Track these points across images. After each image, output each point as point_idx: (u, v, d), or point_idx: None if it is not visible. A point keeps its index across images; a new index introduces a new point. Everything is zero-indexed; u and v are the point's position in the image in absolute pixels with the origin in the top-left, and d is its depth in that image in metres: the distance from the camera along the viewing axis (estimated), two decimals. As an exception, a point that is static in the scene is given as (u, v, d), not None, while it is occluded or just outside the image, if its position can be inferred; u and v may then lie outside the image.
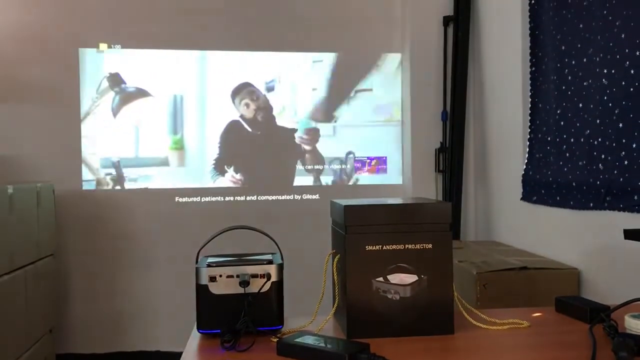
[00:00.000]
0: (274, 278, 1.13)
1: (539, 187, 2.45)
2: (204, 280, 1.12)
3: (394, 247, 1.12)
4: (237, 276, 1.12)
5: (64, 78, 3.08)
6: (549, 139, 2.41)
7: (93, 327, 3.10)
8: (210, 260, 1.18)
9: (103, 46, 3.15)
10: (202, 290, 1.12)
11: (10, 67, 3.03)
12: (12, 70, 3.03)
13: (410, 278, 1.12)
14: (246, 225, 1.23)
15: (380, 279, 1.12)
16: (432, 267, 1.13)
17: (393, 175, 3.30)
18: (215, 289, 1.12)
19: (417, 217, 1.13)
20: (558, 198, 2.30)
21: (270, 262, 1.15)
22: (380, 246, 1.12)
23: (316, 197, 3.23)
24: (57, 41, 3.08)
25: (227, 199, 3.18)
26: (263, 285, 1.12)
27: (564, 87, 2.28)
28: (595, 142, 2.06)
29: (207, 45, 3.18)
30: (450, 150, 3.07)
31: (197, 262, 1.18)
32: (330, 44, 3.25)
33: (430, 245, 1.13)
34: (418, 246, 1.12)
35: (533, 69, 2.57)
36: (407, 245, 1.12)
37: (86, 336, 3.09)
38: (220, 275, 1.12)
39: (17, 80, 3.04)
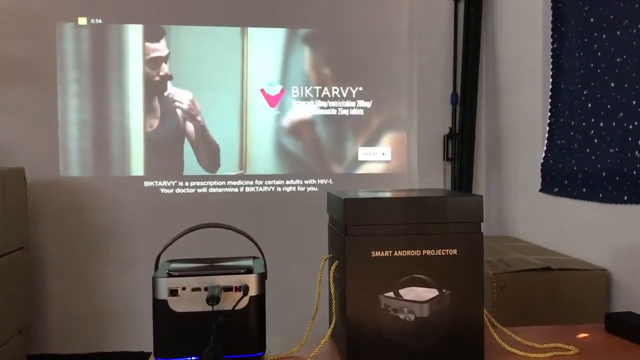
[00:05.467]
0: (253, 291, 0.88)
1: (562, 178, 2.22)
2: (163, 294, 0.87)
3: (408, 253, 0.87)
4: (205, 289, 0.87)
5: (39, 54, 2.87)
6: (572, 123, 2.18)
7: (71, 326, 2.92)
8: (172, 266, 0.93)
9: (82, 20, 2.90)
10: (160, 307, 0.87)
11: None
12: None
13: (429, 293, 0.87)
14: (219, 223, 0.97)
15: (390, 293, 0.87)
16: (457, 279, 0.88)
17: (396, 164, 3.05)
18: (177, 305, 0.87)
19: (438, 215, 0.88)
20: (584, 190, 2.06)
21: (249, 270, 0.90)
22: (390, 252, 0.87)
23: (307, 186, 2.98)
24: (32, 14, 2.85)
25: (215, 190, 2.94)
26: (239, 301, 0.87)
27: (592, 65, 2.03)
28: (631, 127, 1.83)
29: (197, 20, 2.91)
30: (461, 136, 2.85)
31: (156, 268, 0.93)
32: (329, 20, 2.98)
33: (455, 251, 0.88)
34: (439, 252, 0.87)
35: (555, 45, 2.33)
36: (425, 251, 0.87)
37: (63, 335, 2.91)
38: (184, 288, 0.87)
39: (-14, 56, 2.80)
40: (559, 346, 0.95)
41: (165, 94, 2.91)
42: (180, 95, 2.92)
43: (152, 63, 2.91)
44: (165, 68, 2.92)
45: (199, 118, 2.93)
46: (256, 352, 0.89)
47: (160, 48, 2.92)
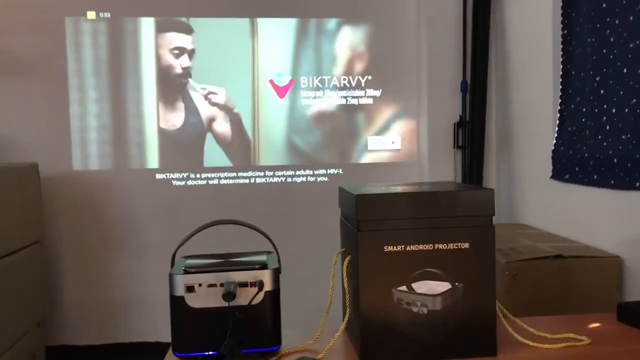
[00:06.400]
0: (268, 287, 0.90)
1: (572, 164, 2.21)
2: (180, 291, 0.89)
3: (421, 247, 0.88)
4: (221, 285, 0.88)
5: (49, 49, 2.86)
6: (584, 110, 2.15)
7: (87, 318, 2.94)
8: (188, 263, 0.94)
9: (91, 14, 2.90)
10: (177, 303, 0.89)
11: (-11, 38, 2.80)
12: (-8, 42, 2.80)
13: (442, 286, 0.88)
14: (234, 220, 0.98)
15: (403, 287, 0.88)
16: (469, 272, 0.88)
17: (406, 152, 3.04)
18: (194, 301, 0.89)
19: (450, 209, 0.88)
20: (595, 176, 2.05)
21: (263, 266, 0.91)
22: (402, 246, 0.88)
23: (317, 177, 2.98)
24: (40, 9, 2.84)
25: (226, 181, 2.95)
26: (254, 297, 0.89)
27: (604, 51, 2.01)
28: (643, 113, 1.80)
29: (207, 12, 2.91)
30: (471, 124, 2.82)
31: (172, 265, 0.94)
32: (337, 9, 2.97)
33: (467, 245, 0.88)
34: (451, 246, 0.88)
35: (565, 31, 2.31)
36: (437, 245, 0.88)
37: (80, 327, 2.93)
38: (200, 284, 0.89)
39: (-2, 52, 2.81)
40: (570, 336, 0.96)
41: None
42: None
43: (164, 56, 2.92)
44: (177, 61, 2.92)
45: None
46: (272, 346, 0.91)
47: (172, 41, 2.92)
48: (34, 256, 2.55)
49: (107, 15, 2.90)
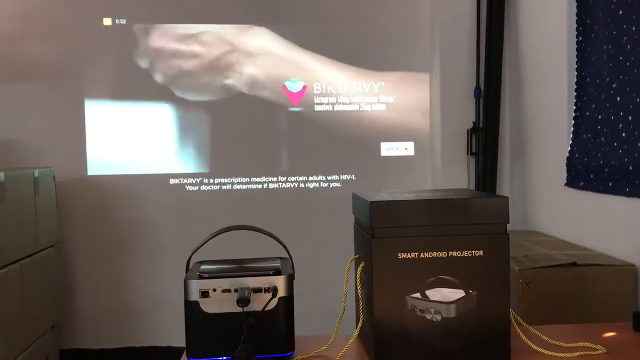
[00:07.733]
0: (282, 293, 0.90)
1: (588, 172, 2.19)
2: (195, 296, 0.89)
3: (435, 254, 0.88)
4: (236, 291, 0.89)
5: (66, 56, 2.89)
6: (600, 117, 2.14)
7: (101, 322, 2.95)
8: (203, 268, 0.95)
9: (107, 21, 2.94)
10: (192, 309, 0.89)
11: (7, 44, 2.83)
12: (9, 48, 2.84)
13: (456, 294, 0.88)
14: (250, 226, 0.99)
15: (417, 295, 0.88)
16: (483, 280, 0.88)
17: (420, 159, 3.03)
18: (209, 306, 0.89)
19: (464, 216, 0.88)
20: (611, 184, 2.03)
21: (277, 272, 0.92)
22: (416, 253, 0.88)
23: (330, 182, 2.98)
24: (57, 16, 2.87)
25: (240, 187, 2.96)
26: (268, 303, 0.89)
27: (621, 58, 1.99)
28: (660, 121, 1.79)
29: (218, 19, 2.93)
30: (485, 130, 2.81)
31: (187, 270, 0.95)
32: (351, 15, 2.98)
33: (481, 252, 0.88)
34: (466, 253, 0.88)
35: (580, 38, 2.29)
36: (451, 253, 0.88)
37: (94, 331, 2.94)
38: (215, 290, 0.89)
39: (15, 58, 2.85)
40: (586, 345, 0.95)
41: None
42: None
43: (178, 62, 2.94)
44: (190, 66, 2.94)
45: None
46: (286, 352, 0.91)
47: (186, 47, 2.94)
48: (49, 260, 2.57)
49: (123, 22, 2.93)
